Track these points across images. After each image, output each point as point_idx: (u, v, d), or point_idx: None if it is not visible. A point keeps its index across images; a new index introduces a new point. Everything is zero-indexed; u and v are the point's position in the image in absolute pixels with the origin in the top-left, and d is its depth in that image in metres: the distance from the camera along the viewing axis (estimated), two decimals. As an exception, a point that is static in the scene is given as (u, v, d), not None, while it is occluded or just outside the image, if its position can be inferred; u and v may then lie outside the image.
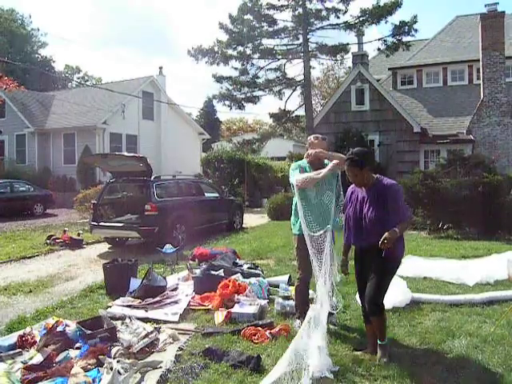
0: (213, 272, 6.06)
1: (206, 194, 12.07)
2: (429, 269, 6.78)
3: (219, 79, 17.34)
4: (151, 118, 24.78)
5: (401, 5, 17.03)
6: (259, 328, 4.42)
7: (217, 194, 12.69)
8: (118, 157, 10.23)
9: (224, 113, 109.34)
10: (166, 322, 4.79)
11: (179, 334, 4.39)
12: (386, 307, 4.96)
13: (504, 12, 16.73)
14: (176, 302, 5.31)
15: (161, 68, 25.89)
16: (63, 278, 7.37)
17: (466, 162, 12.49)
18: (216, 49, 16.76)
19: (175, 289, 5.86)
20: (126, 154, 11.51)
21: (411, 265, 6.82)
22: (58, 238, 10.49)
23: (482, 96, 16.14)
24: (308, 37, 17.36)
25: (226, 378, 3.51)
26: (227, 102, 17.76)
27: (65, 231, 10.87)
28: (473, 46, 17.34)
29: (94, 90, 27.57)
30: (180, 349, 4.05)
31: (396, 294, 5.02)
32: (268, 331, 4.34)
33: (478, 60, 16.44)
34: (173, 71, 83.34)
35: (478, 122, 16.13)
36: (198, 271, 6.27)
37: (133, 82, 24.78)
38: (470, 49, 18.22)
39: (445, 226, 10.95)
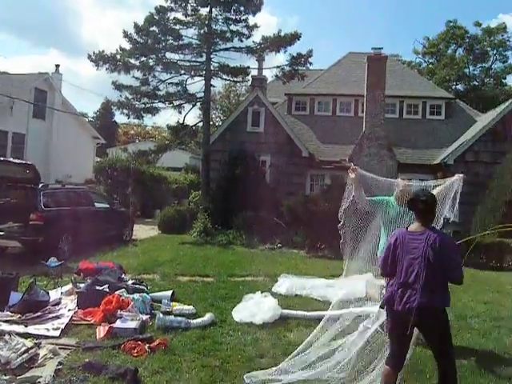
0: (97, 287, 6.19)
1: (96, 204, 11.90)
2: (301, 286, 7.58)
3: (119, 87, 17.15)
4: (42, 118, 23.44)
5: (300, 37, 18.28)
6: (139, 342, 4.72)
7: (107, 205, 12.57)
8: (3, 163, 9.74)
9: (122, 117, 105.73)
10: (46, 337, 4.87)
11: (60, 348, 4.53)
12: (256, 323, 5.60)
13: (387, 56, 18.83)
14: (58, 317, 5.39)
15: (57, 66, 24.68)
16: None
17: (345, 188, 13.87)
18: (118, 57, 16.60)
19: (58, 303, 5.90)
20: (12, 160, 10.91)
21: (285, 283, 7.59)
22: None
23: (364, 128, 17.93)
24: (211, 56, 17.93)
25: (104, 390, 3.78)
26: (126, 111, 17.62)
27: None
28: (360, 82, 19.14)
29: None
30: (60, 363, 4.21)
31: (266, 311, 5.66)
32: (147, 345, 4.67)
33: (363, 95, 18.28)
34: (70, 67, 78.96)
35: (359, 151, 17.81)
36: (82, 286, 6.36)
37: (25, 77, 23.24)
38: (357, 84, 20.00)
39: (322, 246, 12.09)
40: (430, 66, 43.52)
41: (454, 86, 40.65)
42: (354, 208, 5.39)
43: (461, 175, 5.02)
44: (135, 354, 4.52)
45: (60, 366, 4.16)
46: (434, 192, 4.70)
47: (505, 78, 42.07)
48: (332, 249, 11.96)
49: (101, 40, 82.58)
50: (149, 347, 4.64)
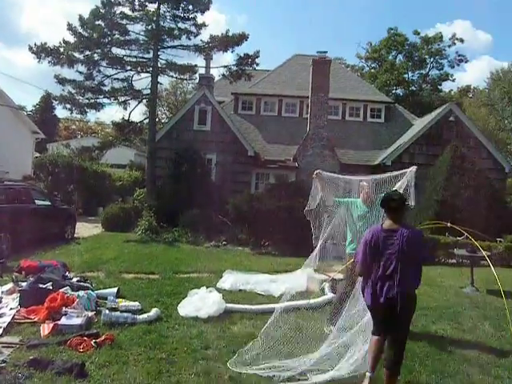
0: (41, 285, 6.14)
1: (36, 201, 11.57)
2: (245, 282, 7.86)
3: (62, 81, 16.63)
4: (-25, 110, 22.22)
5: (247, 38, 18.55)
6: (85, 338, 4.79)
7: (48, 202, 12.25)
8: None
9: (63, 111, 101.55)
10: (-13, 336, 4.83)
11: (3, 347, 4.51)
12: (202, 317, 5.81)
13: (331, 60, 19.51)
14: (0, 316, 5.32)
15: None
16: None
17: (289, 187, 14.34)
18: (62, 50, 16.10)
19: (-2, 302, 5.80)
20: None
21: (230, 278, 7.83)
22: None
23: (308, 129, 18.50)
24: (159, 53, 17.82)
25: (50, 384, 3.85)
26: (68, 106, 17.14)
27: None
28: (305, 84, 19.69)
29: None
30: (3, 361, 4.20)
31: (211, 305, 5.88)
32: (94, 340, 4.74)
33: (308, 97, 18.84)
34: (7, 57, 74.84)
35: (303, 151, 18.36)
36: (24, 284, 6.27)
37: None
38: (303, 86, 20.54)
39: (266, 244, 12.45)
40: (372, 70, 45.35)
41: (394, 91, 42.62)
42: (319, 208, 5.96)
43: (414, 167, 5.65)
44: (81, 350, 4.59)
45: (3, 364, 4.16)
46: (397, 187, 5.41)
47: (440, 85, 44.70)
48: (276, 246, 12.38)
49: (41, 30, 79.07)
50: (95, 342, 4.71)
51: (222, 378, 4.20)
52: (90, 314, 5.51)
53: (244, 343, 5.09)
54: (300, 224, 11.85)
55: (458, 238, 10.77)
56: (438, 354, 5.04)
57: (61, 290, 5.94)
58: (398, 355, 4.04)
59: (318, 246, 5.96)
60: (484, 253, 5.20)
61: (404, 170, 5.75)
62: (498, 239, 13.22)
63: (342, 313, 5.08)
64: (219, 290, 6.93)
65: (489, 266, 12.76)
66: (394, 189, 5.27)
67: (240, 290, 7.54)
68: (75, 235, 13.12)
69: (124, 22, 17.21)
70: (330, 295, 7.27)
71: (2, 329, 4.99)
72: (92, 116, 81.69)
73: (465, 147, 16.19)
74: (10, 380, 3.84)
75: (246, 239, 12.85)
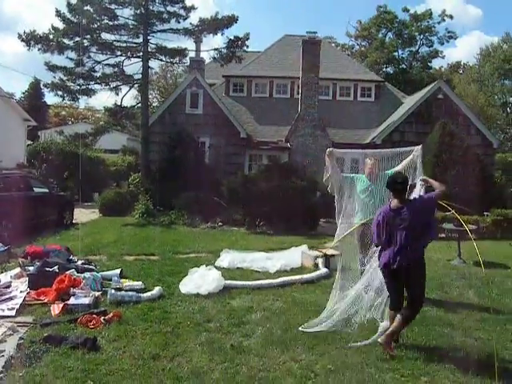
0: (47, 269, 6.42)
1: (35, 188, 11.79)
2: (242, 260, 8.19)
3: (52, 68, 16.60)
4: (-35, 99, 22.15)
5: (237, 20, 18.51)
6: (94, 316, 5.10)
7: (46, 190, 12.47)
8: None
9: (53, 98, 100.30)
10: (2, 317, 5.11)
11: (18, 326, 4.81)
12: (202, 293, 6.15)
13: (321, 40, 19.63)
14: (11, 299, 5.61)
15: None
16: None
17: (282, 168, 14.61)
18: (51, 37, 16.04)
19: (8, 286, 6.08)
20: None
21: (228, 257, 8.17)
22: None
23: (299, 110, 18.69)
24: (148, 37, 17.79)
25: (66, 357, 4.17)
26: (60, 93, 17.16)
27: None
28: (296, 65, 19.80)
29: None
30: (21, 338, 4.51)
31: (211, 282, 6.21)
32: (102, 318, 5.06)
33: (299, 78, 18.98)
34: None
35: (295, 132, 18.60)
36: (31, 268, 6.55)
37: None
38: (293, 66, 20.60)
39: (261, 223, 12.78)
40: (363, 48, 45.29)
41: (384, 69, 42.66)
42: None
43: (419, 147, 6.18)
44: (92, 326, 4.90)
45: (21, 341, 4.47)
46: (399, 168, 6.07)
47: (430, 62, 44.76)
48: (270, 225, 12.72)
49: (26, 14, 77.60)
50: (104, 319, 5.03)
51: (225, 347, 4.54)
52: (97, 294, 5.81)
53: (243, 316, 5.45)
54: (293, 203, 12.30)
55: (447, 213, 11.17)
56: (425, 320, 5.40)
57: (67, 273, 6.23)
58: (417, 295, 4.61)
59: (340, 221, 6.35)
60: (467, 227, 5.48)
61: (410, 148, 6.27)
62: (486, 213, 13.63)
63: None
64: (218, 269, 7.24)
65: (477, 239, 13.21)
66: (396, 169, 5.99)
67: (238, 268, 7.87)
68: (74, 221, 13.36)
69: (113, 6, 17.10)
70: (323, 270, 7.61)
71: (15, 310, 5.28)
72: (82, 102, 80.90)
73: (454, 124, 16.45)
74: (30, 354, 4.15)
75: (242, 220, 13.17)
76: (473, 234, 7.12)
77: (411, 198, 5.10)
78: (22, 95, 43.39)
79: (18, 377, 3.79)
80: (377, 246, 4.94)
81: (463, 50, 67.43)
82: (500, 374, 3.91)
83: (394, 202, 4.67)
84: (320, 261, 7.98)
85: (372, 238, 5.00)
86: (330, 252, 8.03)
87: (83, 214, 15.12)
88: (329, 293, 6.41)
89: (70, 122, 46.19)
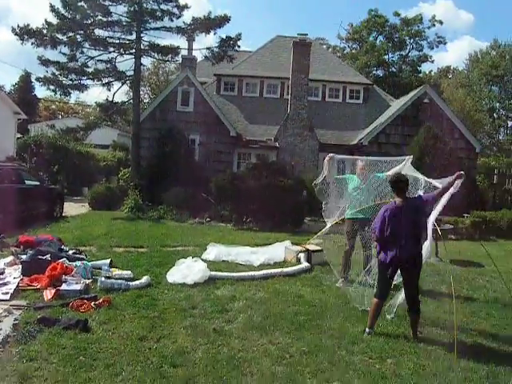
0: (40, 257, 6.69)
1: (26, 181, 11.97)
2: (227, 253, 8.51)
3: (45, 62, 16.74)
4: (-45, 91, 22.13)
5: (229, 20, 18.75)
6: (85, 301, 5.39)
7: (37, 182, 12.65)
8: None
9: (43, 91, 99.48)
10: (-3, 300, 5.39)
11: (13, 309, 5.09)
12: (188, 283, 6.46)
13: (311, 42, 20.00)
14: (5, 284, 5.87)
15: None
16: None
17: (269, 166, 14.94)
18: (45, 31, 16.19)
19: (2, 273, 6.34)
20: None
21: (214, 250, 8.48)
22: None
23: (288, 110, 19.04)
24: (141, 35, 17.99)
25: (60, 337, 4.46)
26: (52, 87, 17.30)
27: None
28: (286, 65, 20.16)
29: None
30: (16, 319, 4.80)
31: (197, 272, 6.53)
32: (93, 303, 5.35)
33: (289, 78, 19.34)
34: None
35: (284, 131, 18.94)
36: (24, 256, 6.81)
37: None
38: (284, 67, 20.98)
39: (247, 220, 13.11)
40: (353, 51, 45.82)
41: (374, 72, 43.23)
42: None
43: (410, 157, 6.97)
44: (82, 310, 5.19)
45: (16, 322, 4.75)
46: (390, 172, 6.55)
47: (420, 66, 45.43)
48: (256, 222, 13.05)
49: (16, 6, 77.00)
50: (94, 304, 5.32)
51: (208, 331, 4.87)
52: (88, 281, 6.10)
53: (226, 304, 5.78)
54: (279, 201, 12.65)
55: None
56: (397, 310, 5.77)
57: (59, 261, 6.50)
58: (414, 297, 5.04)
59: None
60: (438, 228, 5.87)
61: (401, 158, 6.96)
62: (465, 215, 14.11)
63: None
64: (204, 261, 7.55)
65: (456, 239, 13.66)
66: (388, 173, 6.55)
67: (223, 261, 8.19)
68: (63, 214, 13.57)
69: (106, 3, 17.27)
70: (305, 264, 7.96)
71: (9, 294, 5.55)
72: (74, 96, 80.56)
73: (438, 128, 16.93)
74: (25, 333, 4.43)
75: (229, 216, 13.50)
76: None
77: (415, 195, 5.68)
78: (12, 88, 43.19)
79: (14, 352, 4.08)
80: (377, 241, 5.21)
81: (454, 55, 68.63)
82: (459, 352, 4.34)
83: (398, 200, 5.06)
84: (302, 255, 8.33)
85: (375, 232, 5.19)
86: (311, 247, 8.40)
87: (72, 208, 15.32)
88: (309, 285, 6.84)
89: (60, 116, 46.14)
